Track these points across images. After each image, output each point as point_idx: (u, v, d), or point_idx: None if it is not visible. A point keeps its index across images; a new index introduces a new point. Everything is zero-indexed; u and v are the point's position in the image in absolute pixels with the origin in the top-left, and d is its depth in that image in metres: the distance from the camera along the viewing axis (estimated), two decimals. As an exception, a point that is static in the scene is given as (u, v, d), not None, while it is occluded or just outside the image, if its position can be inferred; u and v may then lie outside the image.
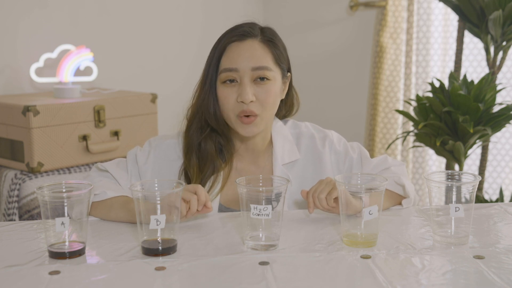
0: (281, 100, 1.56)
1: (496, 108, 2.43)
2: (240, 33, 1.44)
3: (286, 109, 1.62)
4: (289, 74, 1.54)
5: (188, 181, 1.49)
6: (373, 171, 1.52)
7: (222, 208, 1.51)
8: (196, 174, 1.47)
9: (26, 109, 2.11)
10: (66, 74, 2.42)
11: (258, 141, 1.53)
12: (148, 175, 1.51)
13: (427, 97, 2.46)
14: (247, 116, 1.42)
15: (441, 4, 3.02)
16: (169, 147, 1.53)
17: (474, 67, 2.98)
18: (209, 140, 1.49)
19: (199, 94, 1.48)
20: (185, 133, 1.52)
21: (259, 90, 1.42)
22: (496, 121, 2.40)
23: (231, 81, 1.42)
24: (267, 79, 1.43)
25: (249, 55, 1.42)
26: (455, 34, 2.83)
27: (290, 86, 1.57)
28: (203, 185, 1.47)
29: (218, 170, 1.49)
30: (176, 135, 1.56)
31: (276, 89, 1.45)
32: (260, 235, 1.17)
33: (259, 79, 1.42)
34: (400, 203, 1.47)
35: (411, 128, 3.03)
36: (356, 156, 1.57)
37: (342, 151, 1.56)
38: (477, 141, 2.45)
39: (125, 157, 1.58)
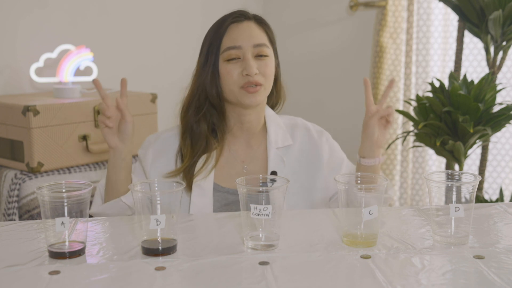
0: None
1: (496, 108, 2.43)
2: (237, 15, 1.59)
3: (272, 100, 1.70)
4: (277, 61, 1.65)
5: (183, 160, 1.58)
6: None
7: (217, 187, 1.57)
8: (189, 152, 1.57)
9: (26, 109, 2.11)
10: (66, 74, 2.42)
11: (253, 120, 1.62)
12: (148, 162, 1.61)
13: (427, 97, 2.46)
14: (253, 86, 1.53)
15: (441, 4, 3.02)
16: (166, 139, 1.64)
17: (474, 67, 2.98)
18: (203, 120, 1.59)
19: (199, 75, 1.59)
20: (183, 113, 1.61)
21: (260, 63, 1.55)
22: (496, 121, 2.39)
23: (233, 58, 1.54)
24: (266, 55, 1.56)
25: (249, 34, 1.56)
26: (455, 34, 2.83)
27: (279, 76, 1.67)
28: (195, 164, 1.56)
29: (211, 149, 1.58)
30: (173, 129, 1.66)
31: (272, 65, 1.59)
32: (260, 235, 1.17)
33: (259, 56, 1.55)
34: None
35: (411, 128, 3.03)
36: (344, 158, 1.71)
37: (336, 148, 1.70)
38: (477, 141, 2.45)
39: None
